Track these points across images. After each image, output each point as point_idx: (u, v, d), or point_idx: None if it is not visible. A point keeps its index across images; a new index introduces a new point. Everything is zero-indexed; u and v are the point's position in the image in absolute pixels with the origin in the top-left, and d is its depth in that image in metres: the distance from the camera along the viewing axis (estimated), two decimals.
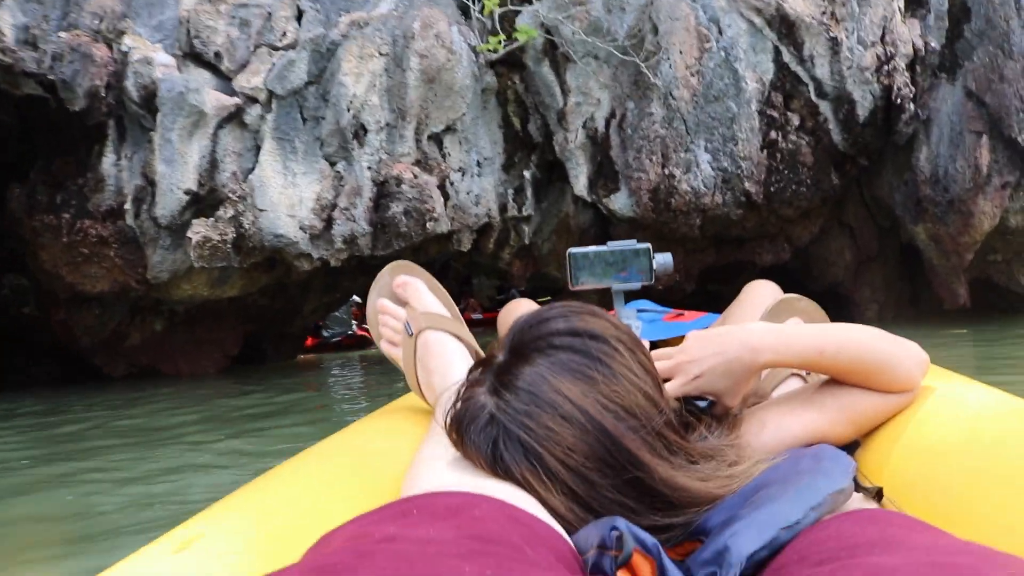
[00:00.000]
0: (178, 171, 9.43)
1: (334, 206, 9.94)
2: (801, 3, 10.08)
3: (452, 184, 10.46)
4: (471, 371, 1.23)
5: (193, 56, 9.75)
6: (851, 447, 1.48)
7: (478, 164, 10.81)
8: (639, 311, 2.50)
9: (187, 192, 9.48)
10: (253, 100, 9.71)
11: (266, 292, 11.49)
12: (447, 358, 1.66)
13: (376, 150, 10.00)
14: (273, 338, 13.06)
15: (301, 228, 9.89)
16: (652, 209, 10.24)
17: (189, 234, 9.37)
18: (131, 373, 11.59)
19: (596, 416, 1.08)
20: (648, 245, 2.18)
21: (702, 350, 1.45)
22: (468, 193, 10.61)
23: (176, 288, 10.27)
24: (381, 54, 9.97)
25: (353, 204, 9.90)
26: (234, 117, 9.70)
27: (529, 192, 11.01)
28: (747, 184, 10.28)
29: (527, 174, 10.99)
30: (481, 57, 10.57)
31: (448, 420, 1.20)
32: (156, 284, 10.13)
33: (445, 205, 10.29)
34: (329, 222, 9.95)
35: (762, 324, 1.50)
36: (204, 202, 9.66)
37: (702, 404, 1.45)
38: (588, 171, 10.74)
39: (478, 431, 1.13)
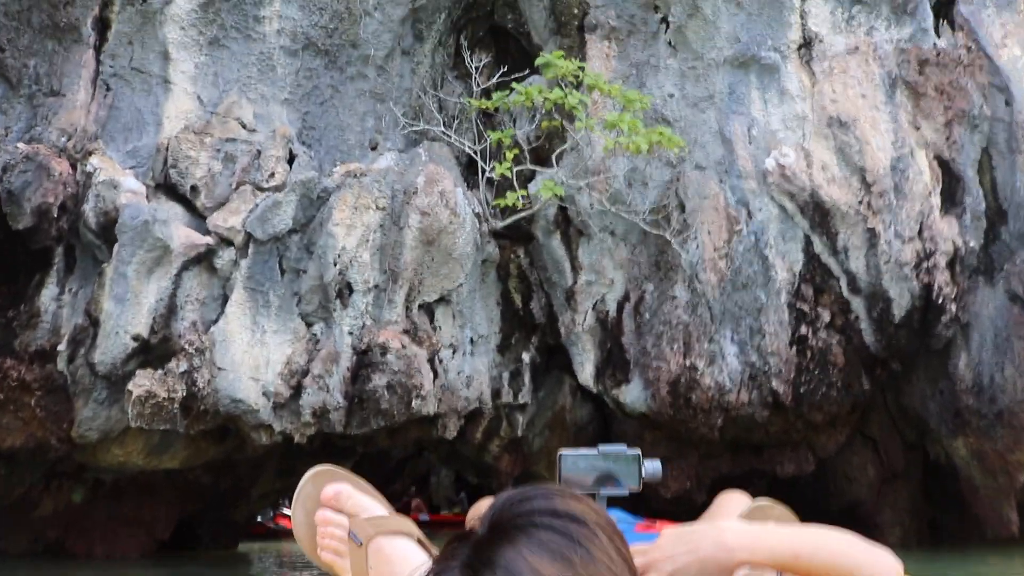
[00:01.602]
0: (129, 312, 7.80)
1: (306, 372, 8.31)
2: (837, 190, 9.02)
3: (441, 362, 8.92)
4: (446, 545, 1.12)
5: (167, 188, 8.32)
6: None
7: (471, 342, 9.31)
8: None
9: (135, 338, 7.81)
10: (227, 242, 8.24)
11: (211, 468, 9.62)
12: (403, 560, 1.51)
13: (360, 313, 8.49)
14: (212, 522, 11.02)
15: (264, 394, 8.20)
16: (670, 404, 8.73)
17: (130, 387, 7.63)
18: (34, 551, 9.48)
19: None
20: (638, 451, 1.98)
21: (676, 547, 1.39)
22: (459, 373, 9.05)
23: (105, 452, 8.39)
24: (378, 207, 8.64)
25: (328, 372, 8.28)
26: (203, 259, 8.19)
27: (527, 377, 9.46)
28: (775, 383, 8.86)
29: (526, 357, 9.48)
30: (485, 225, 9.28)
31: None
32: (82, 445, 8.26)
33: (433, 384, 8.70)
34: (298, 390, 8.29)
35: (737, 523, 1.46)
36: (154, 352, 7.98)
37: None
38: (595, 358, 9.28)
39: None
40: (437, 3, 9.83)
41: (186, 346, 7.92)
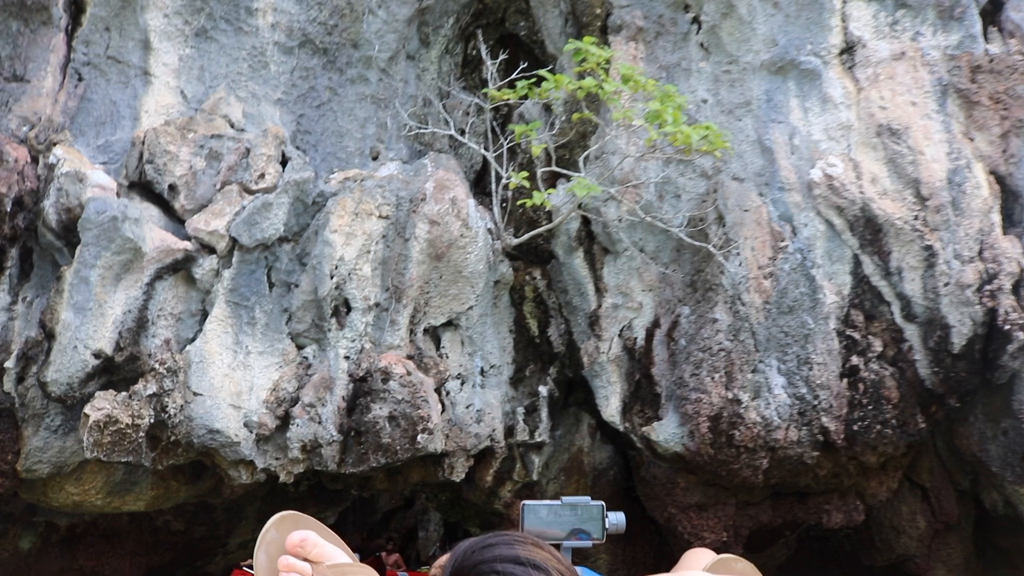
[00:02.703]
0: (90, 324, 6.52)
1: (295, 401, 7.03)
2: (890, 204, 7.92)
3: (448, 394, 7.66)
4: None
5: (141, 186, 7.11)
6: None
7: (482, 372, 8.06)
8: None
9: (97, 354, 6.53)
10: (209, 249, 7.01)
11: (183, 512, 8.25)
12: None
13: (359, 335, 7.25)
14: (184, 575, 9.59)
15: (246, 425, 6.91)
16: (711, 443, 7.48)
17: (87, 409, 6.32)
18: None
19: None
20: (602, 503, 2.08)
21: None
22: (468, 407, 7.79)
23: (58, 491, 7.04)
24: (381, 216, 7.46)
25: (321, 400, 7.01)
26: (180, 267, 6.95)
27: (544, 413, 8.20)
28: (824, 419, 7.64)
29: (543, 390, 8.23)
30: (498, 243, 8.11)
31: None
32: (29, 481, 6.92)
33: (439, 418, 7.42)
34: (285, 421, 7.01)
35: (702, 574, 1.44)
36: (118, 372, 6.69)
37: None
38: (622, 391, 8.04)
39: None
40: (445, 6, 8.78)
41: (156, 366, 6.64)
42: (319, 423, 6.91)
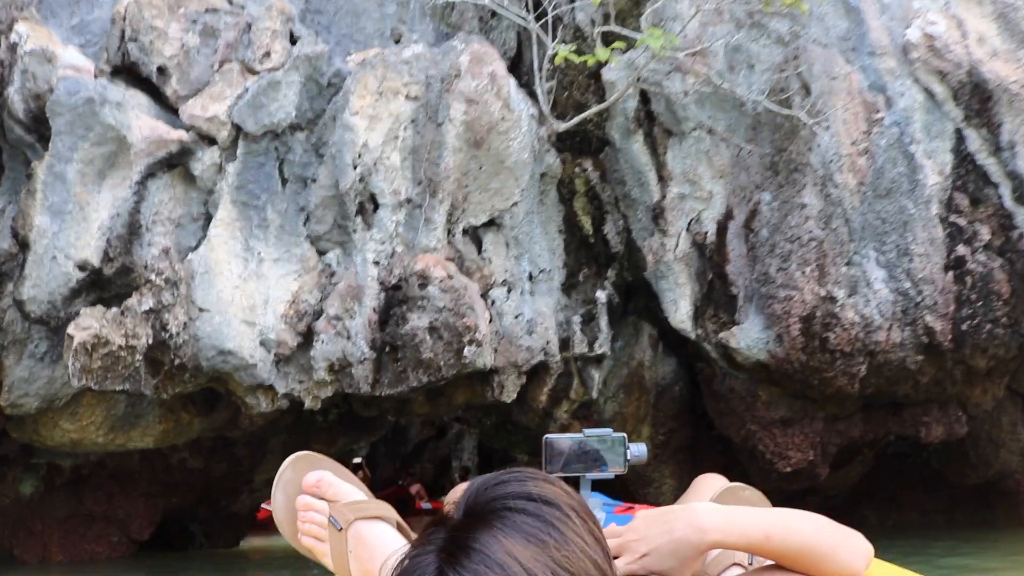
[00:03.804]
0: (70, 230, 5.34)
1: (318, 314, 5.87)
2: (1002, 66, 6.59)
3: (494, 303, 6.47)
4: (423, 530, 1.09)
5: (126, 71, 5.85)
6: None
7: (530, 278, 6.87)
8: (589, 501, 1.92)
9: (82, 266, 5.36)
10: (208, 140, 5.78)
11: (200, 448, 7.17)
12: (381, 544, 1.48)
13: (389, 236, 6.04)
14: (207, 517, 8.57)
15: (263, 344, 5.76)
16: (802, 348, 6.28)
17: (70, 329, 5.17)
18: None
19: None
20: (624, 435, 1.91)
21: (649, 528, 1.35)
22: (516, 317, 6.61)
23: (51, 427, 5.94)
24: (409, 96, 6.19)
25: (349, 312, 5.84)
26: (175, 162, 5.73)
27: (603, 322, 7.00)
28: (929, 318, 6.43)
29: (601, 296, 7.03)
30: (543, 129, 6.84)
31: None
32: (16, 417, 5.83)
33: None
34: (308, 338, 5.85)
35: (709, 504, 1.42)
36: (109, 287, 5.53)
37: None
38: (692, 294, 6.84)
39: None
40: None
41: (153, 277, 5.47)
42: (347, 338, 5.76)
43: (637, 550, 1.32)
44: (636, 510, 2.14)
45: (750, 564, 1.50)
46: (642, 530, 1.33)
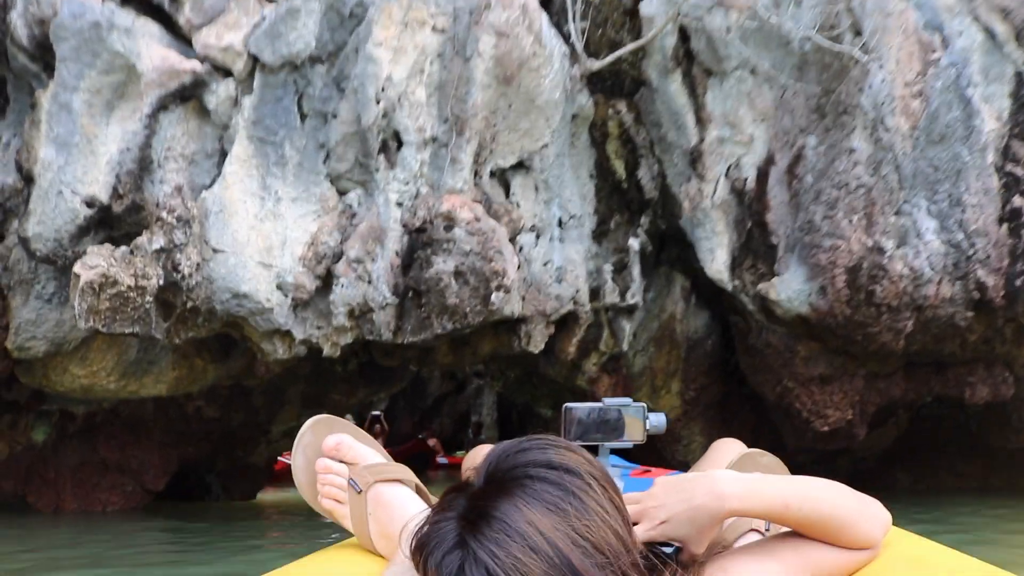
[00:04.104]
0: (77, 163, 5.01)
1: (338, 256, 5.54)
2: None
3: (522, 249, 6.13)
4: (443, 496, 1.11)
5: (137, 1, 5.49)
6: None
7: (560, 224, 6.51)
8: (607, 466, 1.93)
9: (89, 202, 5.04)
10: (223, 72, 5.42)
11: (216, 397, 6.90)
12: (400, 507, 1.50)
13: (413, 176, 5.69)
14: (224, 469, 8.34)
15: (280, 287, 5.45)
16: (847, 300, 5.90)
17: (77, 268, 4.86)
18: None
19: (564, 550, 1.01)
20: (643, 404, 1.91)
21: (668, 495, 1.33)
22: (546, 264, 6.26)
23: (61, 372, 5.67)
24: (436, 28, 5.80)
25: (370, 255, 5.51)
26: (188, 95, 5.38)
27: (636, 271, 6.65)
28: (981, 272, 6.03)
29: (633, 243, 6.66)
30: (576, 68, 6.43)
31: (413, 543, 1.09)
32: (25, 361, 5.56)
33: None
34: (328, 281, 5.54)
35: (729, 472, 1.36)
36: (119, 226, 5.21)
37: (668, 550, 1.32)
38: (730, 243, 6.46)
39: (443, 553, 1.03)
40: None
41: (165, 215, 5.14)
42: (369, 282, 5.43)
43: (656, 517, 1.31)
44: (653, 473, 2.25)
45: (767, 530, 1.51)
46: (661, 497, 1.33)
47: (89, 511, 6.91)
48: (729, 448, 2.13)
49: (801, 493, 1.30)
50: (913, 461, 8.98)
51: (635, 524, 1.28)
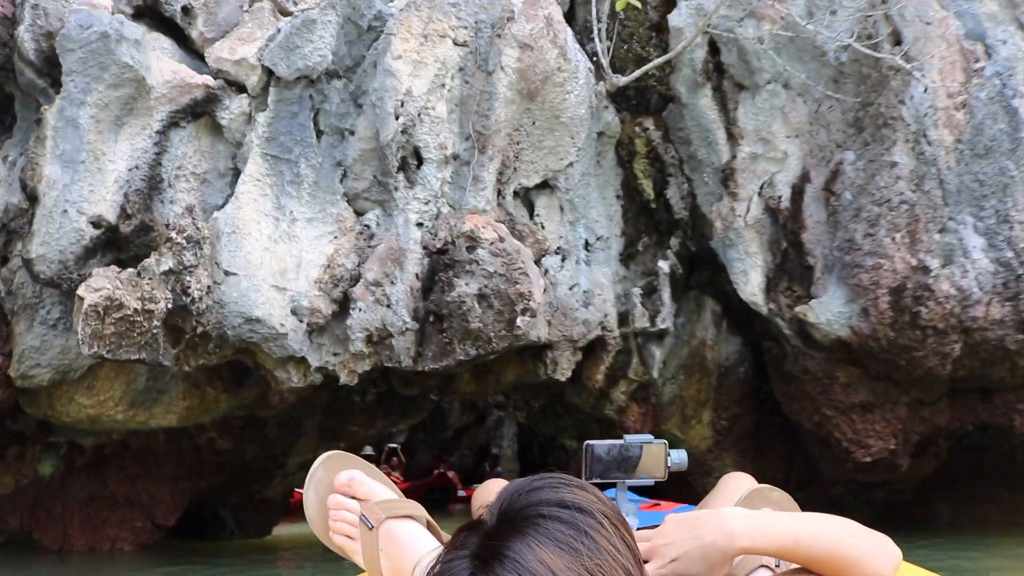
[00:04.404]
0: (83, 182, 4.76)
1: (356, 279, 5.25)
2: None
3: (547, 272, 5.82)
4: (456, 534, 1.09)
5: (148, 12, 5.26)
6: None
7: (586, 246, 6.21)
8: (613, 499, 1.82)
9: (96, 222, 4.77)
10: (237, 87, 5.18)
11: (229, 428, 6.59)
12: (412, 543, 1.48)
13: (434, 196, 5.40)
14: (238, 503, 8.01)
15: (295, 311, 5.15)
16: (891, 323, 5.55)
17: (81, 291, 4.58)
18: None
19: None
20: (664, 442, 1.95)
21: (679, 533, 1.34)
22: (572, 288, 5.95)
23: (66, 402, 5.38)
24: (457, 42, 5.54)
25: (389, 278, 5.21)
26: (200, 111, 5.13)
27: (666, 295, 6.33)
28: None
29: (663, 266, 6.34)
30: (601, 84, 6.16)
31: None
32: (29, 391, 5.27)
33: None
34: (344, 306, 5.24)
35: (738, 509, 1.41)
36: (127, 248, 4.94)
37: None
38: (764, 264, 6.13)
39: None
40: None
41: (175, 236, 4.87)
42: (387, 306, 5.13)
43: (667, 555, 1.32)
44: (662, 507, 2.19)
45: (777, 566, 1.50)
46: (671, 535, 1.33)
47: (97, 550, 6.58)
48: (739, 483, 2.13)
49: (811, 530, 1.30)
50: (954, 492, 8.54)
51: (646, 562, 1.28)
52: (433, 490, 14.05)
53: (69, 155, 4.69)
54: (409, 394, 6.28)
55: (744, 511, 1.38)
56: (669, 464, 1.98)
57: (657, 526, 1.40)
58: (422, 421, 14.06)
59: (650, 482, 2.01)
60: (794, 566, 1.38)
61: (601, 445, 1.94)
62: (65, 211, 4.69)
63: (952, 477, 8.36)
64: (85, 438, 6.23)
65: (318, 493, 1.60)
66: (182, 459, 6.65)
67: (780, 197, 6.08)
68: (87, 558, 6.41)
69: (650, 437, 1.99)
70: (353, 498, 1.56)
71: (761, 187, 6.10)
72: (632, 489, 2.12)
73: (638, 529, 1.32)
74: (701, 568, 1.32)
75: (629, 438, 1.99)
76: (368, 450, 13.72)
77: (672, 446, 1.96)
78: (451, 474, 16.87)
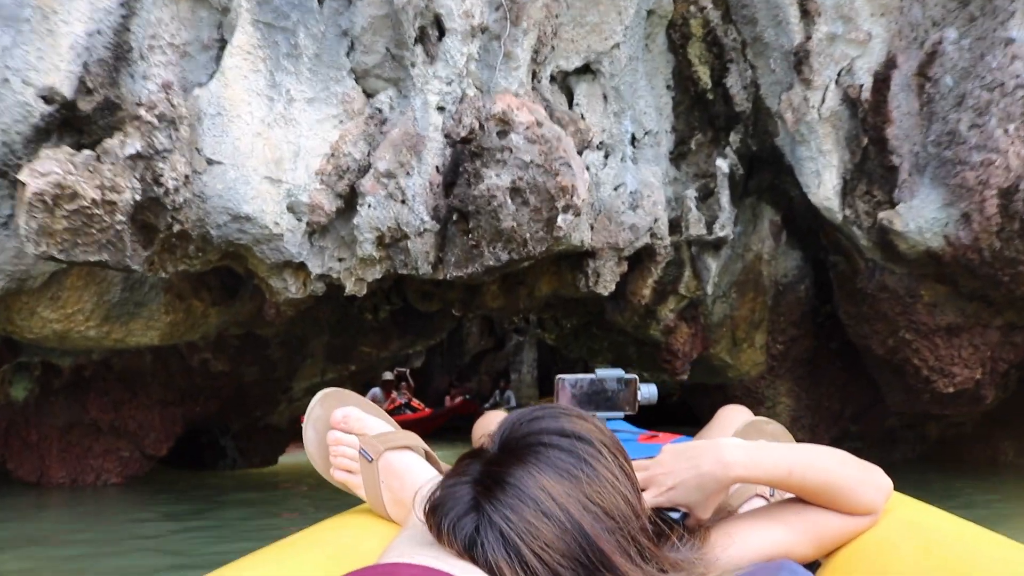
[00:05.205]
0: (29, 44, 3.81)
1: (365, 170, 4.32)
2: None
3: (589, 169, 4.88)
4: (458, 462, 1.13)
5: None
6: (812, 566, 1.36)
7: (633, 140, 5.25)
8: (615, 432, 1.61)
9: (47, 96, 3.84)
10: None
11: (224, 348, 5.75)
12: (411, 472, 1.52)
13: (458, 74, 4.43)
14: (240, 431, 7.22)
15: (292, 208, 4.24)
16: (998, 231, 4.61)
17: (22, 175, 3.66)
18: None
19: (576, 515, 1.03)
20: (635, 376, 2.03)
21: (676, 462, 1.34)
22: (617, 188, 5.01)
23: (27, 315, 4.52)
24: None
25: (405, 168, 4.29)
26: None
27: (724, 198, 5.38)
28: None
29: (722, 165, 5.39)
30: None
31: (428, 506, 1.09)
32: None
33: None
34: (351, 201, 4.33)
35: (734, 440, 1.38)
36: (90, 130, 4.01)
37: (675, 516, 1.34)
38: (841, 163, 5.17)
39: (459, 516, 1.04)
40: None
41: (145, 114, 3.94)
42: (402, 202, 4.21)
43: (664, 483, 1.30)
44: (660, 438, 2.17)
45: (772, 495, 1.51)
46: (669, 464, 1.32)
47: (79, 483, 5.81)
48: (735, 415, 2.09)
49: (804, 460, 1.29)
50: (1020, 429, 7.69)
51: (643, 490, 1.27)
52: (457, 417, 13.32)
53: (8, 9, 3.74)
54: (427, 310, 5.40)
55: (740, 442, 1.34)
56: (639, 398, 1.96)
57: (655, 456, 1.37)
58: (439, 344, 13.27)
59: (620, 415, 1.97)
60: (788, 495, 1.36)
61: (571, 379, 1.93)
62: (6, 79, 3.75)
63: (1019, 412, 7.51)
64: (61, 358, 5.40)
65: (317, 430, 1.59)
66: (172, 382, 5.82)
67: (861, 86, 5.08)
68: (68, 492, 5.64)
69: (621, 371, 1.96)
70: (351, 433, 1.54)
71: (839, 74, 5.11)
72: (629, 419, 2.08)
73: (636, 458, 1.20)
74: (697, 497, 1.29)
75: (601, 372, 1.97)
76: (388, 375, 12.92)
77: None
78: (459, 400, 16.06)
